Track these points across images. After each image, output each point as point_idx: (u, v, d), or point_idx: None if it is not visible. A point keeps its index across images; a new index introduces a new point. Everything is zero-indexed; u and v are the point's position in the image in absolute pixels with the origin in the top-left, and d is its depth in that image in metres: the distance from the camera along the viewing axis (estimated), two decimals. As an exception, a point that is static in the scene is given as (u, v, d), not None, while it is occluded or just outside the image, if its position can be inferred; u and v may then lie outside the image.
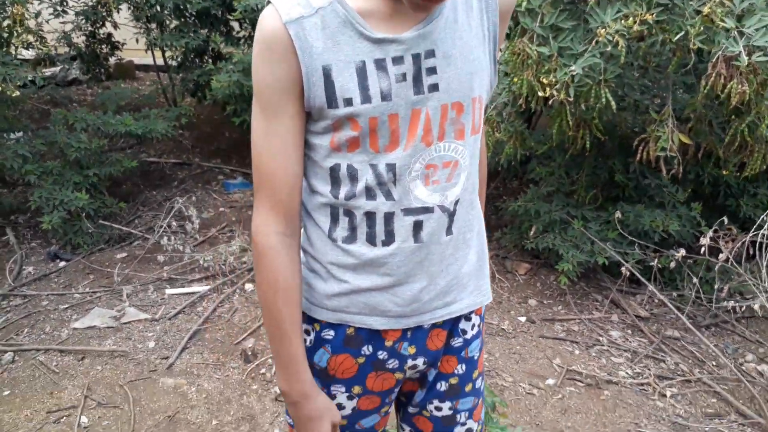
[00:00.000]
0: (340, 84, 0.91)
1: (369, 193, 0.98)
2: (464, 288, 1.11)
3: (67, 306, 2.95)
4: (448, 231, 1.04)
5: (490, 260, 3.47)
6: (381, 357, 1.10)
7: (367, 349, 1.09)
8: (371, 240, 1.02)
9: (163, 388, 2.42)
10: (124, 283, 3.12)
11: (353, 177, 0.98)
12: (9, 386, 2.43)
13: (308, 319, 1.10)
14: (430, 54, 0.94)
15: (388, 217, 1.00)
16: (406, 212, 1.00)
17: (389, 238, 1.01)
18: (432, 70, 0.95)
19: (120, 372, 2.51)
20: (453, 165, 1.01)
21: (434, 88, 0.95)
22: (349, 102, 0.92)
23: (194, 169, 4.58)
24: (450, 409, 1.22)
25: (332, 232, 1.03)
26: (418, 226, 1.01)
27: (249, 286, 3.13)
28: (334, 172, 0.99)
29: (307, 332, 1.11)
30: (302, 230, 1.09)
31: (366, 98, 0.92)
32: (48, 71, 5.59)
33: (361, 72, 0.92)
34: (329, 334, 1.09)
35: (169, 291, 3.07)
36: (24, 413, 2.28)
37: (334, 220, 1.03)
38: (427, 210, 1.01)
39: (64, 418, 2.27)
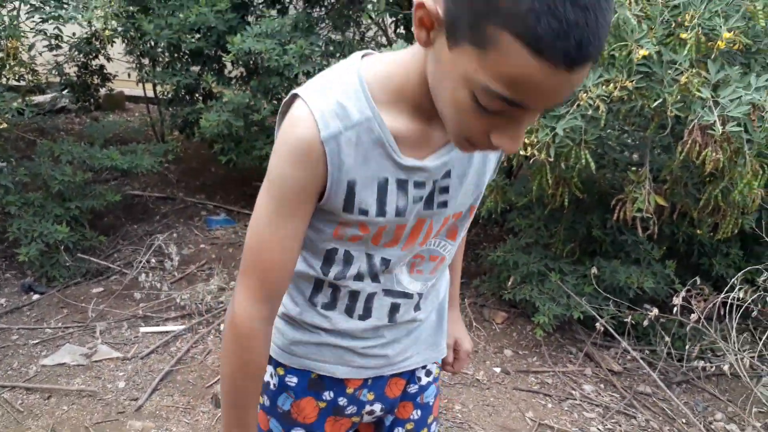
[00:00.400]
0: (361, 198, 0.92)
1: (359, 276, 1.02)
2: (423, 343, 1.18)
3: (37, 341, 2.90)
4: (417, 308, 1.12)
5: (469, 308, 3.49)
6: (341, 403, 1.14)
7: (328, 395, 1.13)
8: (349, 312, 1.06)
9: None
10: (98, 319, 3.08)
11: (348, 261, 1.00)
12: (-29, 424, 2.37)
13: (274, 362, 1.13)
14: (446, 175, 0.97)
15: (370, 296, 1.05)
16: (386, 293, 1.05)
17: (366, 314, 1.07)
18: (444, 190, 0.98)
19: (87, 413, 2.47)
20: (439, 260, 1.08)
21: (443, 205, 0.99)
22: (364, 213, 0.94)
23: (177, 204, 4.58)
24: None
25: (313, 297, 1.07)
26: (395, 308, 1.07)
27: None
28: (329, 254, 1.00)
29: (271, 375, 1.14)
30: None
31: (381, 212, 0.94)
32: (37, 98, 5.61)
33: (382, 188, 0.93)
34: (292, 380, 1.12)
35: (143, 329, 3.04)
36: (-15, 453, 2.23)
37: (317, 289, 1.06)
38: (407, 296, 1.07)
39: (26, 459, 2.22)
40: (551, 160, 2.30)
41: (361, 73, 0.88)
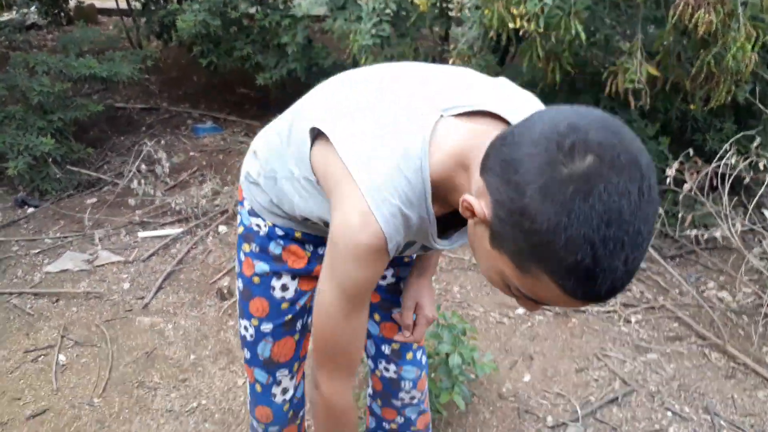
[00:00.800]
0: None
1: None
2: None
3: (38, 251, 2.92)
4: None
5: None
6: (322, 252, 1.20)
7: (310, 246, 1.21)
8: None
9: (140, 327, 2.44)
10: (95, 227, 3.09)
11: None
12: (-17, 329, 2.42)
13: (261, 218, 1.18)
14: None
15: None
16: None
17: None
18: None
19: (96, 312, 2.52)
20: None
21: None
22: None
23: (162, 114, 4.49)
24: (395, 373, 1.41)
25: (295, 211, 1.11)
26: None
27: (222, 228, 3.13)
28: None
29: (258, 226, 1.19)
30: (271, 183, 1.13)
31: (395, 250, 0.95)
32: (4, 16, 5.35)
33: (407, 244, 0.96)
34: (280, 232, 1.18)
35: (141, 234, 3.05)
36: (0, 354, 2.29)
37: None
38: None
39: (42, 357, 2.28)
40: (541, 31, 2.23)
41: (427, 171, 0.85)
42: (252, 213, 1.19)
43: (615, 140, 0.67)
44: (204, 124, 4.34)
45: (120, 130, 4.19)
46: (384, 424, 1.51)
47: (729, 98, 2.57)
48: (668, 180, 2.51)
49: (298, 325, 1.27)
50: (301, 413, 1.42)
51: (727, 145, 2.47)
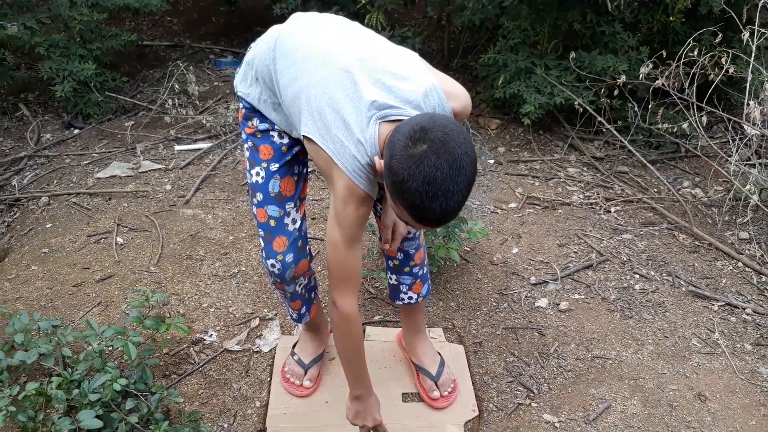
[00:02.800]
0: None
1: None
2: None
3: (88, 162, 3.31)
4: None
5: (465, 119, 3.83)
6: None
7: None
8: None
9: (184, 217, 2.84)
10: (136, 142, 3.47)
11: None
12: (50, 221, 2.83)
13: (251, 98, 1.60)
14: None
15: None
16: None
17: None
18: None
19: (144, 207, 2.92)
20: None
21: None
22: None
23: (186, 50, 4.81)
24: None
25: None
26: None
27: (249, 142, 3.49)
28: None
29: (253, 100, 1.60)
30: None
31: None
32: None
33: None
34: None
35: (177, 147, 3.43)
36: (67, 238, 2.70)
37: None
38: None
39: (103, 239, 2.69)
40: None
41: (374, 156, 1.32)
42: (246, 97, 1.61)
43: (444, 137, 1.16)
44: (225, 58, 4.67)
45: (149, 64, 4.53)
46: (389, 261, 1.89)
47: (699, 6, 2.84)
48: (641, 76, 2.80)
49: (296, 168, 1.66)
50: (307, 247, 1.76)
51: (690, 40, 2.76)
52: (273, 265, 1.65)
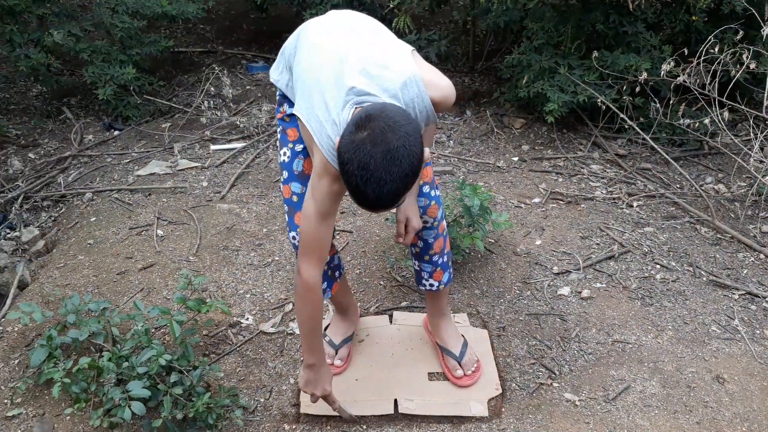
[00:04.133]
0: None
1: None
2: None
3: (128, 160, 3.48)
4: None
5: (490, 118, 3.93)
6: None
7: None
8: None
9: (220, 211, 2.98)
10: (173, 143, 3.64)
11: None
12: (94, 215, 3.00)
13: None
14: None
15: None
16: None
17: None
18: None
19: (182, 202, 3.07)
20: None
21: None
22: None
23: (219, 56, 4.99)
24: None
25: None
26: None
27: (280, 142, 3.63)
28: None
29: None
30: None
31: None
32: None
33: None
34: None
35: (213, 147, 3.58)
36: (111, 230, 2.86)
37: None
38: None
39: (144, 231, 2.84)
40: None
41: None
42: (276, 83, 1.75)
43: (385, 127, 1.23)
44: (256, 64, 4.83)
45: (184, 70, 4.72)
46: (412, 248, 1.98)
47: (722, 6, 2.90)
48: (662, 73, 2.86)
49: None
50: (337, 273, 1.94)
51: (711, 37, 2.81)
52: (294, 237, 1.78)
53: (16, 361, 2.12)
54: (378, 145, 1.22)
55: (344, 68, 1.43)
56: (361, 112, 1.28)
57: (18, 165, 3.48)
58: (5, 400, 1.97)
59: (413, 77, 1.41)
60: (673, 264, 2.61)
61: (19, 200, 3.15)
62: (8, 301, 2.43)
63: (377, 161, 1.22)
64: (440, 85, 1.47)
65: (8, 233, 2.95)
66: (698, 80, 2.95)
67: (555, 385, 2.01)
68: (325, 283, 1.93)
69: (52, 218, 3.08)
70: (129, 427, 1.86)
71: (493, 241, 2.72)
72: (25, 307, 2.06)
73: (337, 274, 1.97)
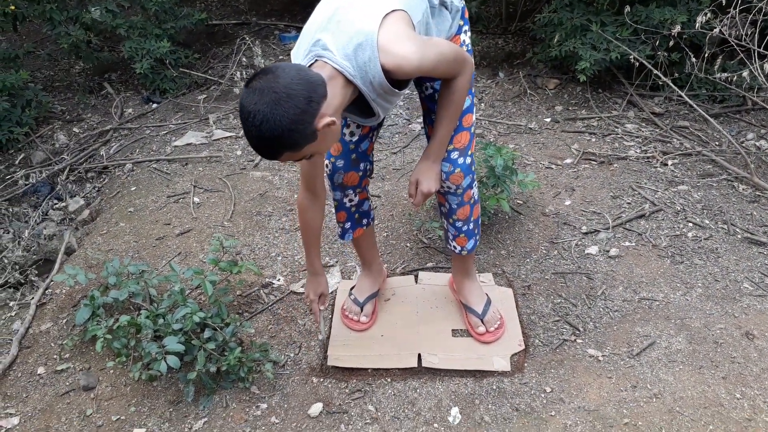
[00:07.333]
0: None
1: None
2: None
3: (166, 132, 3.59)
4: None
5: (523, 79, 3.87)
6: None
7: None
8: None
9: (253, 179, 3.06)
10: (208, 114, 3.72)
11: None
12: (134, 184, 3.12)
13: None
14: None
15: None
16: None
17: None
18: None
19: (217, 171, 3.16)
20: None
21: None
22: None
23: (252, 27, 5.05)
24: None
25: None
26: None
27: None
28: None
29: None
30: None
31: None
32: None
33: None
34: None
35: (246, 116, 3.65)
36: (150, 198, 2.97)
37: None
38: None
39: (181, 199, 2.94)
40: None
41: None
42: None
43: (261, 88, 1.26)
44: (289, 33, 4.87)
45: (218, 42, 4.79)
46: (441, 207, 1.99)
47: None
48: (698, 25, 2.76)
49: (361, 165, 1.85)
50: (363, 165, 1.88)
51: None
52: (327, 166, 1.84)
53: (64, 321, 2.26)
54: (250, 102, 1.27)
55: (325, 22, 1.43)
56: (266, 67, 1.33)
57: (63, 139, 3.63)
58: (54, 356, 2.11)
59: (368, 39, 1.37)
60: (707, 222, 2.56)
61: (65, 172, 3.30)
62: (56, 266, 2.57)
63: (245, 115, 1.27)
64: (395, 51, 1.37)
65: (56, 203, 3.10)
66: (736, 31, 2.83)
67: (579, 341, 2.03)
68: (349, 223, 2.00)
69: (96, 189, 3.22)
70: (167, 380, 1.97)
71: (521, 202, 2.71)
72: (70, 270, 2.18)
73: (364, 220, 2.01)
